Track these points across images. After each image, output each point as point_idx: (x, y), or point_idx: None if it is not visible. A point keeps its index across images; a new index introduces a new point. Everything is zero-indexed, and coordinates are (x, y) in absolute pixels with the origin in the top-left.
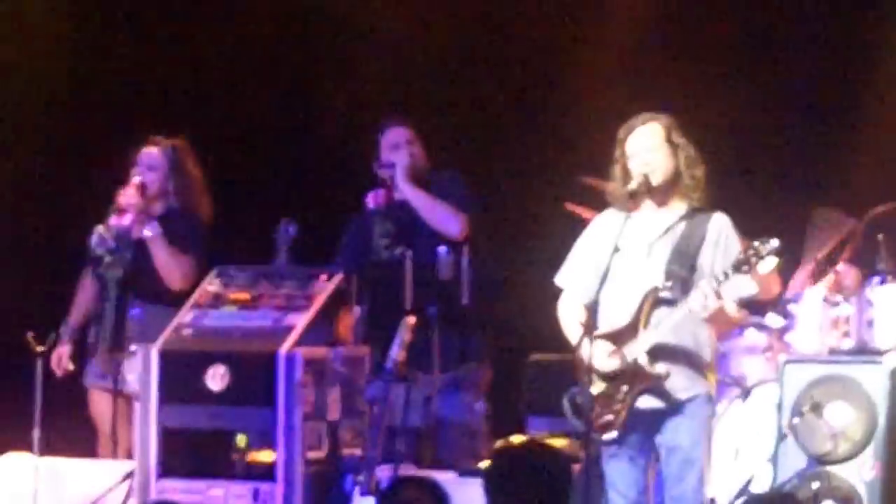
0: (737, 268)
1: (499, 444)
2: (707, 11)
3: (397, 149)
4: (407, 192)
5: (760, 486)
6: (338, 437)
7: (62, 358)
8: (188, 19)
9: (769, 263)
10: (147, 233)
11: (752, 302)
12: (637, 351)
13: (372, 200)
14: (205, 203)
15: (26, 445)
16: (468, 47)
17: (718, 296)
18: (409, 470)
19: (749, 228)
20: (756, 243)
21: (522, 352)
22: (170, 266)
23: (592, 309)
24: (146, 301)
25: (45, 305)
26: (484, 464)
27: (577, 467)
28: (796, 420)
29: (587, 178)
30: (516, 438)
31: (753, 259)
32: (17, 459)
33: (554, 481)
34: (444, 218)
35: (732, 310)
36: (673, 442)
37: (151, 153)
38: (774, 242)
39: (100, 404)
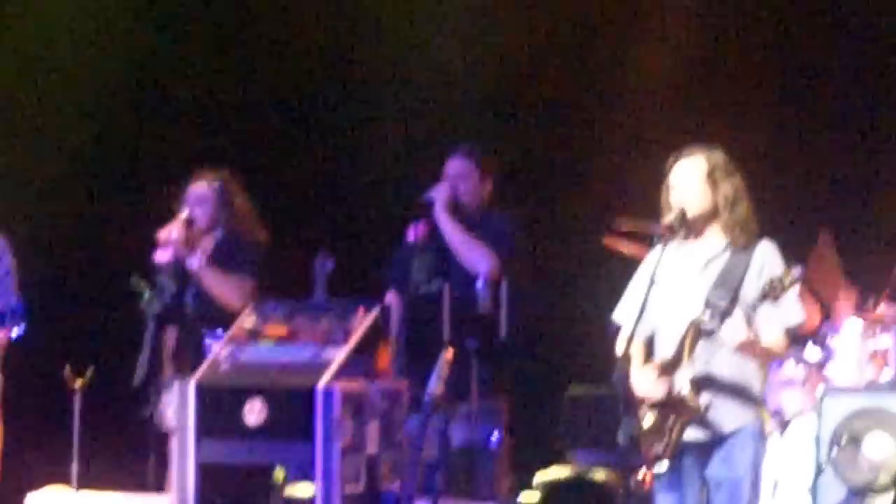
0: (762, 297)
1: (543, 476)
2: (750, 41)
3: (446, 180)
4: (441, 224)
5: None
6: (376, 471)
7: None
8: (227, 51)
9: (794, 291)
10: (194, 263)
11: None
12: (680, 383)
13: (412, 233)
14: (258, 231)
15: (65, 479)
16: (512, 84)
17: (749, 326)
18: (448, 501)
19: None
20: (780, 272)
21: (559, 385)
22: (223, 292)
23: (647, 342)
24: (218, 327)
25: (83, 339)
26: (527, 497)
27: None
28: (835, 452)
29: (625, 221)
30: (558, 471)
31: (777, 288)
32: (56, 493)
33: None
34: (472, 257)
35: (773, 341)
36: (719, 475)
37: (200, 188)
38: (797, 271)
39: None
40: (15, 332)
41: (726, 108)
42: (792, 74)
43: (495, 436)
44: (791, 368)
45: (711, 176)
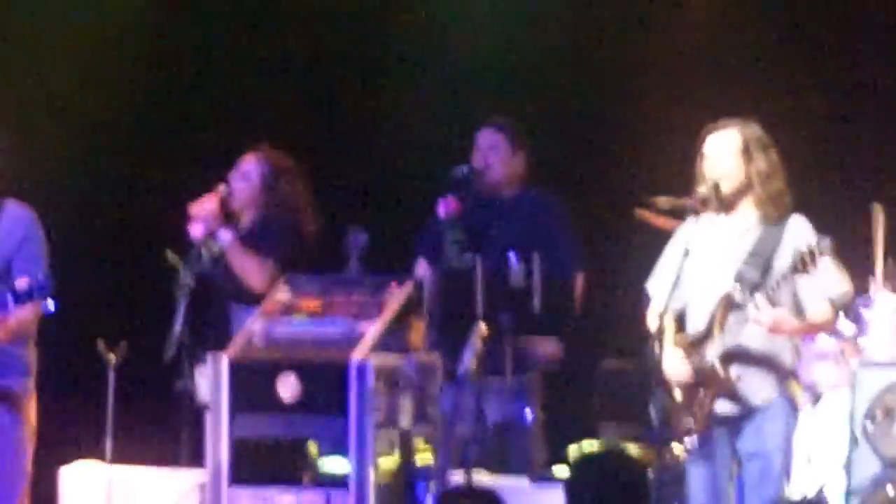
0: (793, 270)
1: (576, 451)
2: (794, 8)
3: (477, 153)
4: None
5: (834, 493)
6: (410, 445)
7: None
8: (264, 23)
9: (829, 262)
10: (223, 238)
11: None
12: (711, 356)
13: (443, 208)
14: (304, 219)
15: (98, 454)
16: (546, 58)
17: (773, 304)
18: (481, 477)
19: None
20: (809, 244)
21: (592, 358)
22: (245, 272)
23: (678, 315)
24: (249, 302)
25: (117, 314)
26: (560, 470)
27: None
28: (869, 426)
29: (660, 200)
30: (591, 445)
31: (806, 259)
32: (89, 468)
33: (633, 489)
34: None
35: (818, 314)
36: (751, 448)
37: (247, 163)
38: (827, 241)
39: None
40: (42, 306)
41: (766, 79)
42: (835, 42)
43: (529, 413)
44: (825, 341)
45: (746, 149)
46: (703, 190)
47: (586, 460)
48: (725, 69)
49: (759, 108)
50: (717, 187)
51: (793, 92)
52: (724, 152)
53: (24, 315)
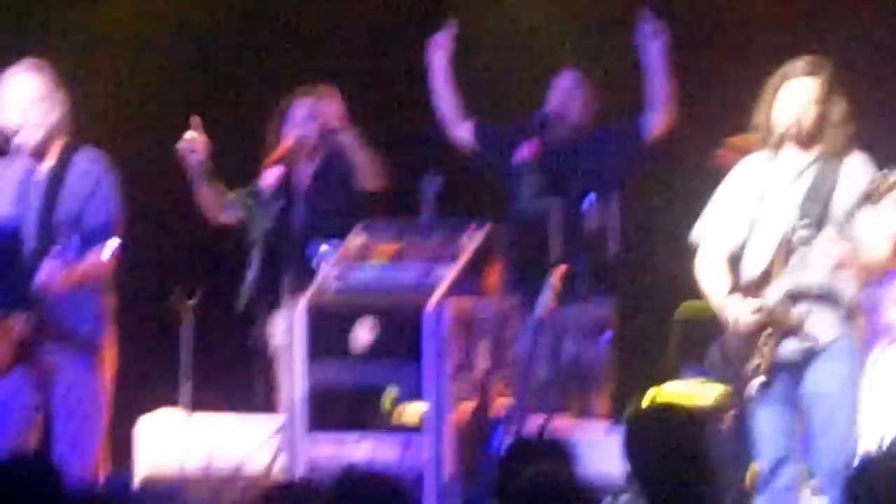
0: (862, 201)
1: (651, 396)
2: None
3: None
4: None
5: None
6: (487, 390)
7: None
8: None
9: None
10: (300, 187)
11: None
12: (775, 296)
13: (521, 152)
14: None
15: (175, 402)
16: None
17: (845, 238)
18: (561, 421)
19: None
20: (880, 174)
21: (671, 301)
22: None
23: (735, 258)
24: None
25: (193, 261)
26: (634, 414)
27: (729, 416)
28: None
29: (735, 140)
30: (656, 396)
31: (877, 190)
32: (169, 415)
33: (687, 444)
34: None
35: (877, 251)
36: (817, 389)
37: (303, 108)
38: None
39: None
40: (107, 251)
41: (837, 20)
42: None
43: (606, 336)
44: None
45: (823, 97)
46: (774, 135)
47: (639, 415)
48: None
49: (828, 48)
50: (790, 131)
51: (862, 32)
52: (801, 98)
53: (94, 259)
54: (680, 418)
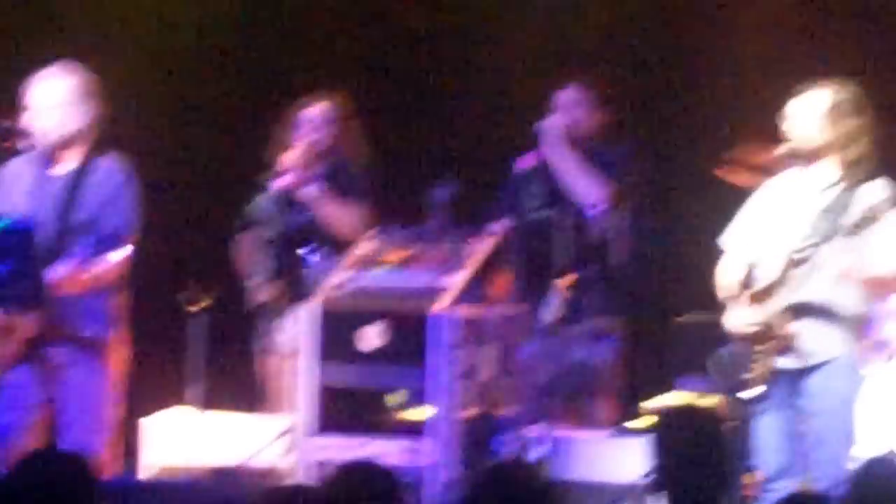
0: (868, 216)
1: (653, 405)
2: None
3: (559, 109)
4: (554, 153)
5: None
6: (492, 396)
7: None
8: None
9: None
10: (310, 193)
11: None
12: (774, 310)
13: (523, 160)
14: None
15: (184, 400)
16: (626, 9)
17: (848, 252)
18: (562, 430)
19: None
20: (883, 196)
21: (670, 312)
22: (341, 219)
23: (749, 270)
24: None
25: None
26: (636, 423)
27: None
28: None
29: (742, 150)
30: (672, 399)
31: (875, 212)
32: (183, 413)
33: (714, 443)
34: (582, 187)
35: (883, 271)
36: (812, 406)
37: (315, 113)
38: None
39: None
40: (120, 257)
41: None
42: None
43: (613, 343)
44: None
45: (833, 112)
46: (781, 150)
47: (669, 414)
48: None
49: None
50: (795, 147)
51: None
52: (808, 113)
53: (106, 264)
54: (708, 419)
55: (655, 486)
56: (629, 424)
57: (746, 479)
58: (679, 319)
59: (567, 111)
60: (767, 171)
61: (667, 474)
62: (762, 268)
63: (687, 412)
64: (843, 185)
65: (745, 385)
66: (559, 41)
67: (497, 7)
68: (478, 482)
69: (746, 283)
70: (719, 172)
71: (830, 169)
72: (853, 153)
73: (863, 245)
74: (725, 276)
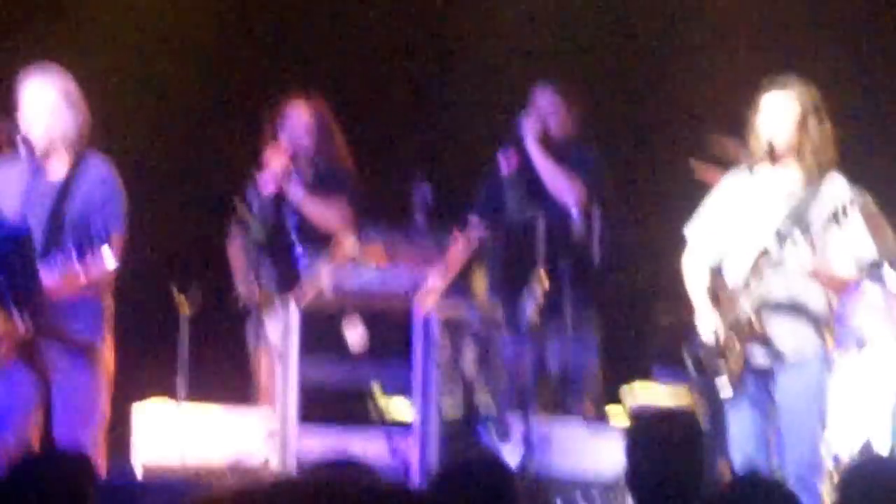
0: (831, 220)
1: (629, 392)
2: None
3: (534, 112)
4: (532, 155)
5: (881, 442)
6: (473, 392)
7: None
8: None
9: (857, 219)
10: (296, 193)
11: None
12: (745, 308)
13: (505, 163)
14: (349, 157)
15: (168, 392)
16: (602, 12)
17: (814, 250)
18: (541, 419)
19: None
20: (847, 197)
21: (646, 306)
22: (327, 220)
23: (716, 267)
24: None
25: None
26: (615, 411)
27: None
28: None
29: (715, 142)
30: (644, 387)
31: (845, 210)
32: (159, 405)
33: (691, 443)
34: (561, 187)
35: (844, 272)
36: (786, 402)
37: (299, 115)
38: (866, 198)
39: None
40: (109, 261)
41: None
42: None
43: (591, 340)
44: (871, 291)
45: (803, 115)
46: (754, 149)
47: (642, 415)
48: (779, 26)
49: (811, 65)
50: (770, 147)
51: (846, 49)
52: (780, 115)
53: (95, 267)
54: (685, 423)
55: (629, 488)
56: (608, 417)
57: (722, 470)
58: (657, 311)
59: (542, 113)
60: (735, 163)
61: (639, 479)
62: (730, 268)
63: (660, 419)
64: (806, 185)
65: (719, 377)
66: (536, 42)
67: (478, 7)
68: (444, 475)
69: (715, 286)
70: (697, 172)
71: (798, 168)
72: (826, 154)
73: (826, 245)
74: (692, 272)
